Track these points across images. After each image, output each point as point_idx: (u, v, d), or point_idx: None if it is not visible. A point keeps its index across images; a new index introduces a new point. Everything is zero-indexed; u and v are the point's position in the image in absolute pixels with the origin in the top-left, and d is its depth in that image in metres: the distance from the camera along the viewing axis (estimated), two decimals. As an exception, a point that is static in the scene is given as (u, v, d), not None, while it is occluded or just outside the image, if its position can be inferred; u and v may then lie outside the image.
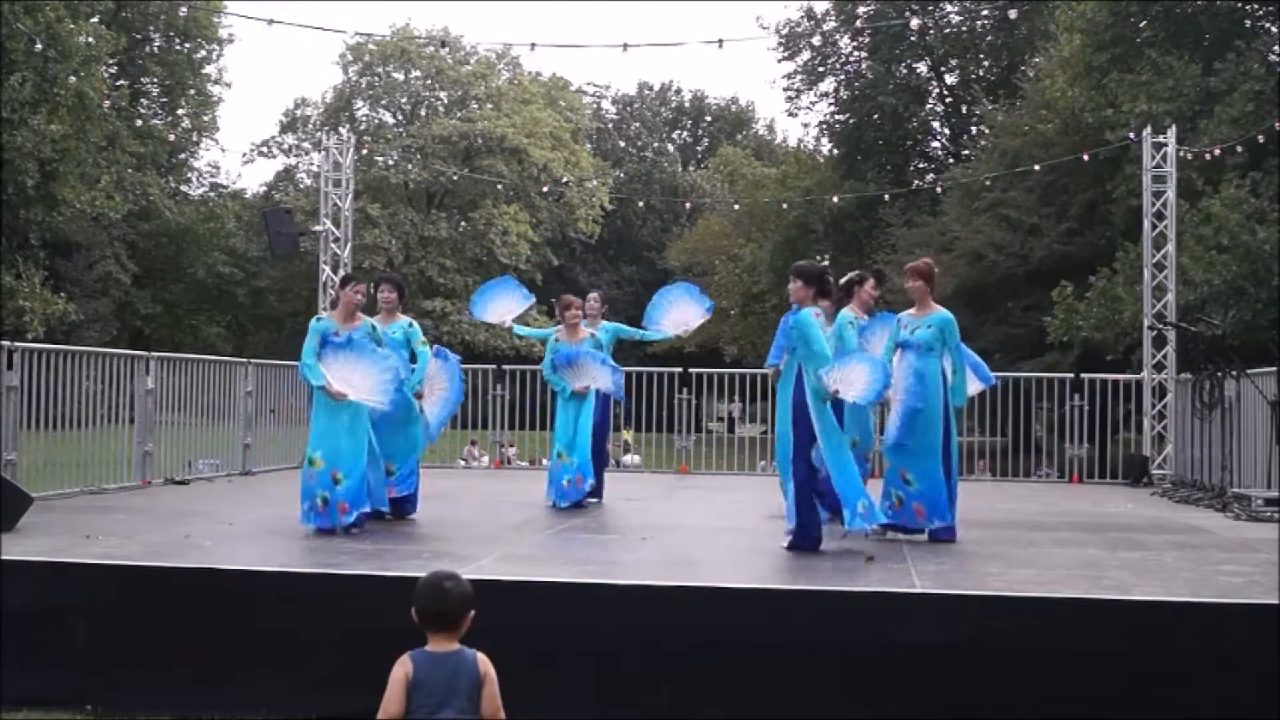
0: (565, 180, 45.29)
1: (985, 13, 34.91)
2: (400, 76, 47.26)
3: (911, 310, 8.22)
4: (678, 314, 10.43)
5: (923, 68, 36.96)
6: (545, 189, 43.37)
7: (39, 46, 25.86)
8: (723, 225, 43.73)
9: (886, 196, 29.72)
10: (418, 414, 8.75)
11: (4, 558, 6.15)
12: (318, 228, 15.44)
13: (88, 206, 32.34)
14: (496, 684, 3.89)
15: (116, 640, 5.87)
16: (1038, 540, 8.13)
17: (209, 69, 41.60)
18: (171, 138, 37.61)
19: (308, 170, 46.72)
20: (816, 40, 37.29)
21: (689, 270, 43.77)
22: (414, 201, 45.49)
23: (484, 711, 3.84)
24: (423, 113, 46.98)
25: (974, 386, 8.88)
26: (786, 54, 37.35)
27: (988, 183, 27.01)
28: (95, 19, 35.10)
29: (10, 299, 29.44)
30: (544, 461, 18.36)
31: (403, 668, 3.84)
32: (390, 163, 44.11)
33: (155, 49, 40.23)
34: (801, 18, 37.13)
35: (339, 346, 7.98)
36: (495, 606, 5.27)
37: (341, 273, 8.47)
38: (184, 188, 43.60)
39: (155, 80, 40.39)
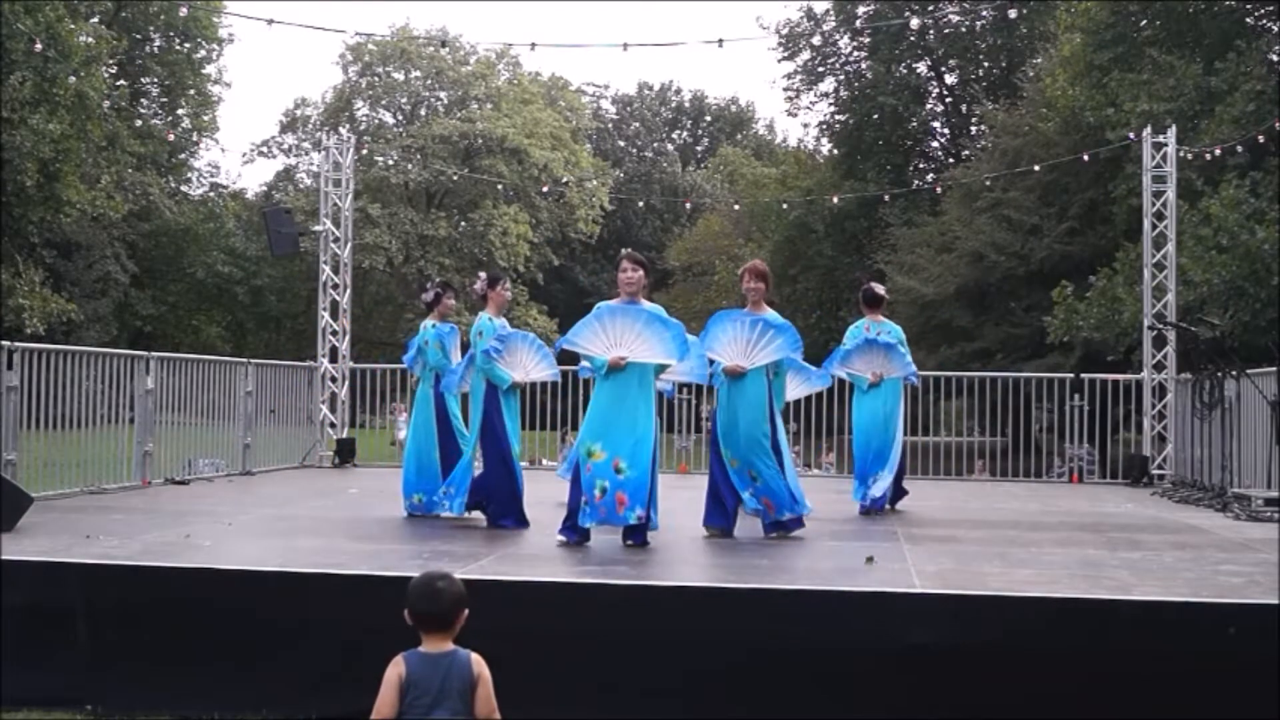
0: (565, 180, 45.30)
1: (985, 13, 34.90)
2: (400, 76, 47.27)
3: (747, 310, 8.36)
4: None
5: (923, 68, 36.97)
6: (545, 189, 43.38)
7: (39, 46, 25.84)
8: (723, 225, 43.74)
9: (886, 196, 29.73)
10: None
11: (4, 558, 6.15)
12: (318, 228, 15.43)
13: (88, 206, 32.34)
14: (491, 684, 3.88)
15: (116, 640, 5.86)
16: (1038, 540, 8.13)
17: (209, 69, 41.62)
18: (171, 138, 37.59)
19: (308, 170, 46.76)
20: (816, 40, 37.31)
21: (689, 270, 43.84)
22: (414, 201, 45.51)
23: (478, 712, 3.84)
24: (423, 113, 46.99)
25: (799, 389, 9.28)
26: (786, 54, 37.38)
27: (988, 183, 27.01)
28: (95, 19, 35.10)
29: (9, 297, 29.45)
30: (544, 461, 18.38)
31: (395, 668, 3.84)
32: (390, 163, 44.11)
33: (155, 49, 40.21)
34: (801, 18, 37.17)
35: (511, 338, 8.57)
36: (495, 606, 5.28)
37: (485, 274, 9.04)
38: (184, 188, 43.61)
39: (155, 80, 40.39)
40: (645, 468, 7.27)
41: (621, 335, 7.35)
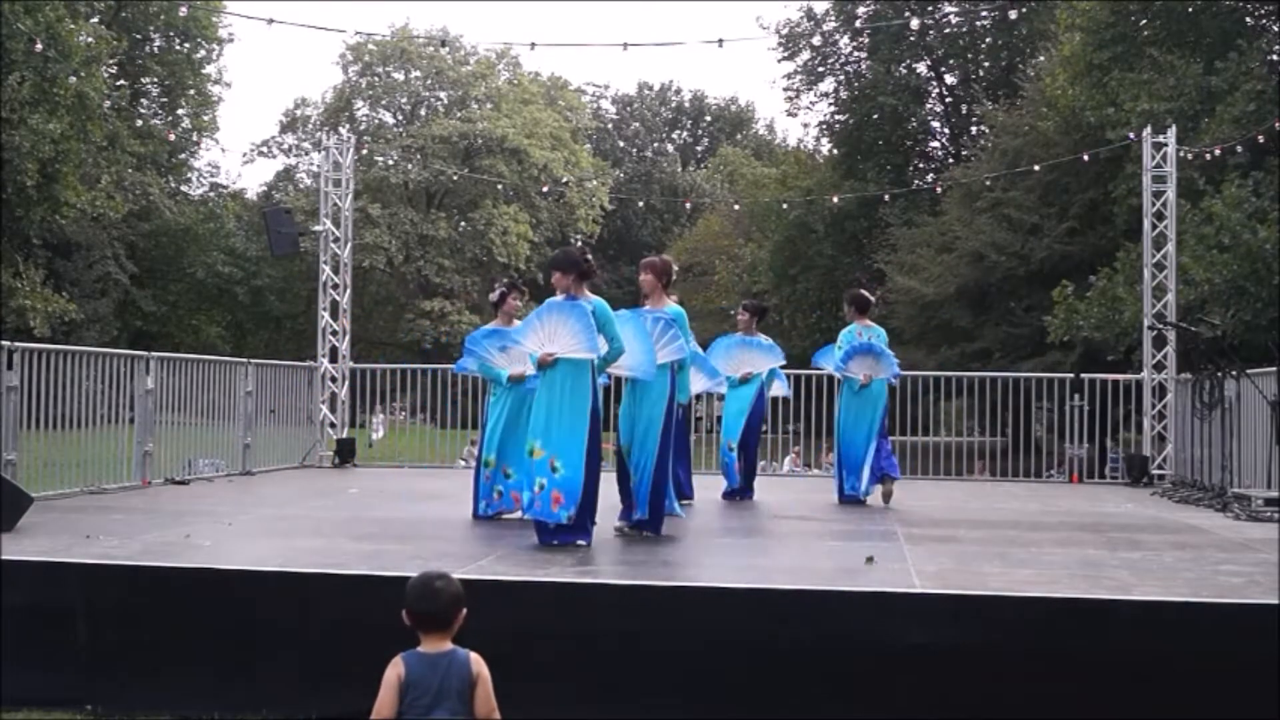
0: (565, 180, 45.31)
1: (985, 13, 34.91)
2: (400, 76, 47.29)
3: (645, 305, 8.43)
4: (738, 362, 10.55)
5: (922, 68, 36.98)
6: (545, 189, 43.39)
7: (39, 46, 25.85)
8: (723, 225, 43.78)
9: (886, 196, 29.72)
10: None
11: (4, 558, 6.14)
12: (318, 228, 15.42)
13: (88, 206, 32.32)
14: (490, 684, 3.88)
15: (116, 640, 5.86)
16: (1038, 540, 8.13)
17: (209, 69, 41.65)
18: (171, 138, 37.61)
19: (308, 170, 46.80)
20: (816, 40, 37.34)
21: (689, 270, 43.85)
22: (414, 201, 45.52)
23: (478, 712, 3.84)
24: (423, 113, 47.01)
25: (701, 384, 9.71)
26: (786, 54, 37.40)
27: (988, 183, 27.01)
28: (95, 19, 35.10)
29: (10, 298, 29.45)
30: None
31: (394, 669, 3.84)
32: (390, 163, 44.13)
33: (155, 49, 40.23)
34: (801, 18, 37.21)
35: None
36: (495, 606, 5.28)
37: (504, 283, 9.24)
38: (184, 188, 43.64)
39: (155, 80, 40.40)
40: (579, 467, 7.16)
41: (555, 331, 7.27)
